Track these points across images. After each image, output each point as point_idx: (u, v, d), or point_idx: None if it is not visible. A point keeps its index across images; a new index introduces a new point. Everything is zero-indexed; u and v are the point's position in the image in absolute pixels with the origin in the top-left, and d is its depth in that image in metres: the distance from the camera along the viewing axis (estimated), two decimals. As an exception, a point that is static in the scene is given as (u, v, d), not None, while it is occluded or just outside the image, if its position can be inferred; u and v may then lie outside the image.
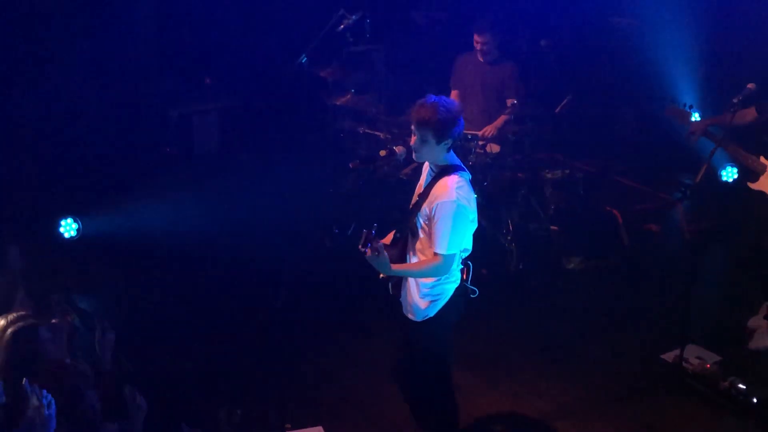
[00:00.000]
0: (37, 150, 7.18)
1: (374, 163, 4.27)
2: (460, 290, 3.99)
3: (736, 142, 5.31)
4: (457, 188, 3.77)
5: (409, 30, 9.22)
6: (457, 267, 3.94)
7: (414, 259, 3.97)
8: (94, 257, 6.46)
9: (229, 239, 6.71)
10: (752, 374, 5.00)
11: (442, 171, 3.87)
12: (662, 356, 5.29)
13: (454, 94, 6.94)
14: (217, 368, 5.26)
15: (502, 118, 6.69)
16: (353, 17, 7.22)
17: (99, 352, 3.83)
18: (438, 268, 3.82)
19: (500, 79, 6.77)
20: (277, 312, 5.85)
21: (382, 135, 7.02)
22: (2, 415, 3.21)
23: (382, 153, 4.23)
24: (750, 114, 5.27)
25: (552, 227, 6.77)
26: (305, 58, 7.25)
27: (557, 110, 7.04)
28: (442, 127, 3.73)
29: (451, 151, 3.87)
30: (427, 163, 4.00)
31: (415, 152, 3.87)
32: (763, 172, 5.23)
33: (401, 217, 4.10)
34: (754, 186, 5.30)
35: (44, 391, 3.09)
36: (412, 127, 3.81)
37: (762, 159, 5.25)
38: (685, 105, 5.69)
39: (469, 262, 4.00)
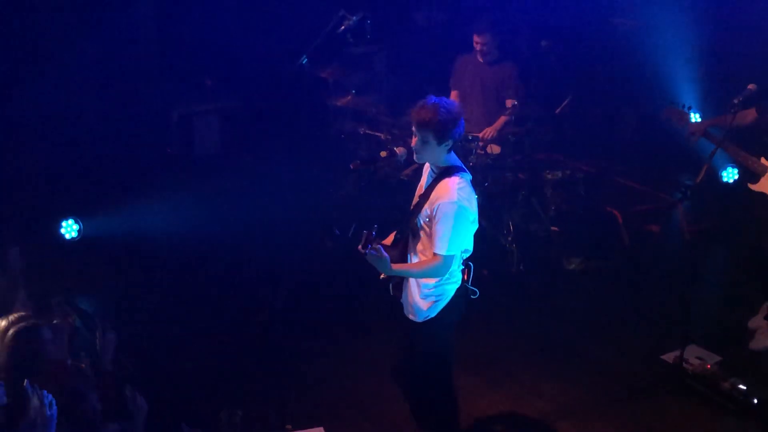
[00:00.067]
0: (38, 151, 7.18)
1: (375, 164, 4.28)
2: (461, 291, 4.00)
3: (736, 143, 5.30)
4: (458, 189, 3.78)
5: (410, 31, 9.22)
6: (458, 268, 3.95)
7: (415, 260, 3.97)
8: (95, 258, 6.47)
9: (229, 240, 6.72)
10: (753, 375, 4.99)
11: (443, 172, 3.87)
12: (662, 357, 5.28)
13: (454, 95, 6.94)
14: (218, 368, 5.26)
15: (501, 120, 6.68)
16: (354, 18, 7.21)
17: (100, 353, 3.82)
18: (438, 268, 3.83)
19: (500, 80, 6.77)
20: (277, 312, 5.85)
21: (382, 136, 7.02)
22: (4, 416, 3.22)
23: (383, 154, 4.24)
24: (750, 115, 5.26)
25: (552, 228, 6.77)
26: (306, 59, 7.24)
27: (557, 111, 7.05)
28: (442, 129, 3.73)
29: (452, 152, 3.88)
30: (427, 164, 4.01)
31: (416, 153, 3.87)
32: (763, 173, 5.21)
33: (402, 218, 4.10)
34: (754, 187, 5.28)
35: (45, 392, 3.11)
36: (413, 128, 3.82)
37: (762, 160, 5.23)
38: (683, 106, 5.68)
39: (470, 263, 4.01)
